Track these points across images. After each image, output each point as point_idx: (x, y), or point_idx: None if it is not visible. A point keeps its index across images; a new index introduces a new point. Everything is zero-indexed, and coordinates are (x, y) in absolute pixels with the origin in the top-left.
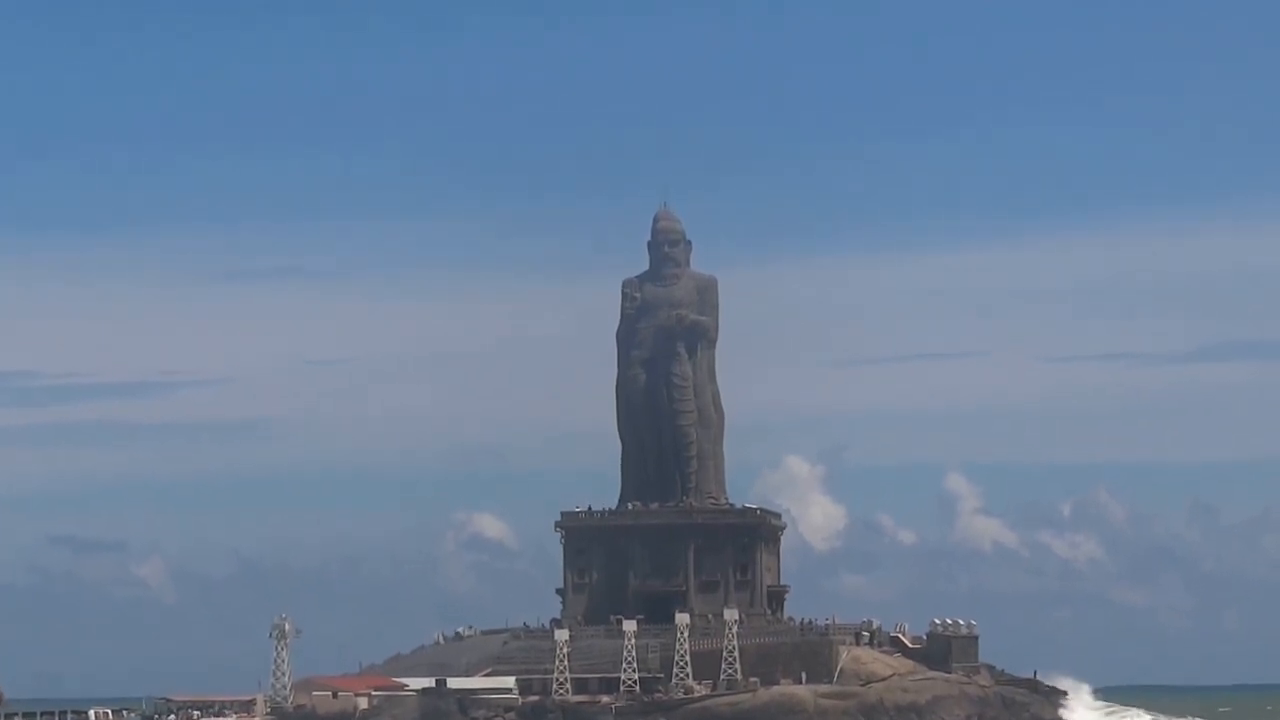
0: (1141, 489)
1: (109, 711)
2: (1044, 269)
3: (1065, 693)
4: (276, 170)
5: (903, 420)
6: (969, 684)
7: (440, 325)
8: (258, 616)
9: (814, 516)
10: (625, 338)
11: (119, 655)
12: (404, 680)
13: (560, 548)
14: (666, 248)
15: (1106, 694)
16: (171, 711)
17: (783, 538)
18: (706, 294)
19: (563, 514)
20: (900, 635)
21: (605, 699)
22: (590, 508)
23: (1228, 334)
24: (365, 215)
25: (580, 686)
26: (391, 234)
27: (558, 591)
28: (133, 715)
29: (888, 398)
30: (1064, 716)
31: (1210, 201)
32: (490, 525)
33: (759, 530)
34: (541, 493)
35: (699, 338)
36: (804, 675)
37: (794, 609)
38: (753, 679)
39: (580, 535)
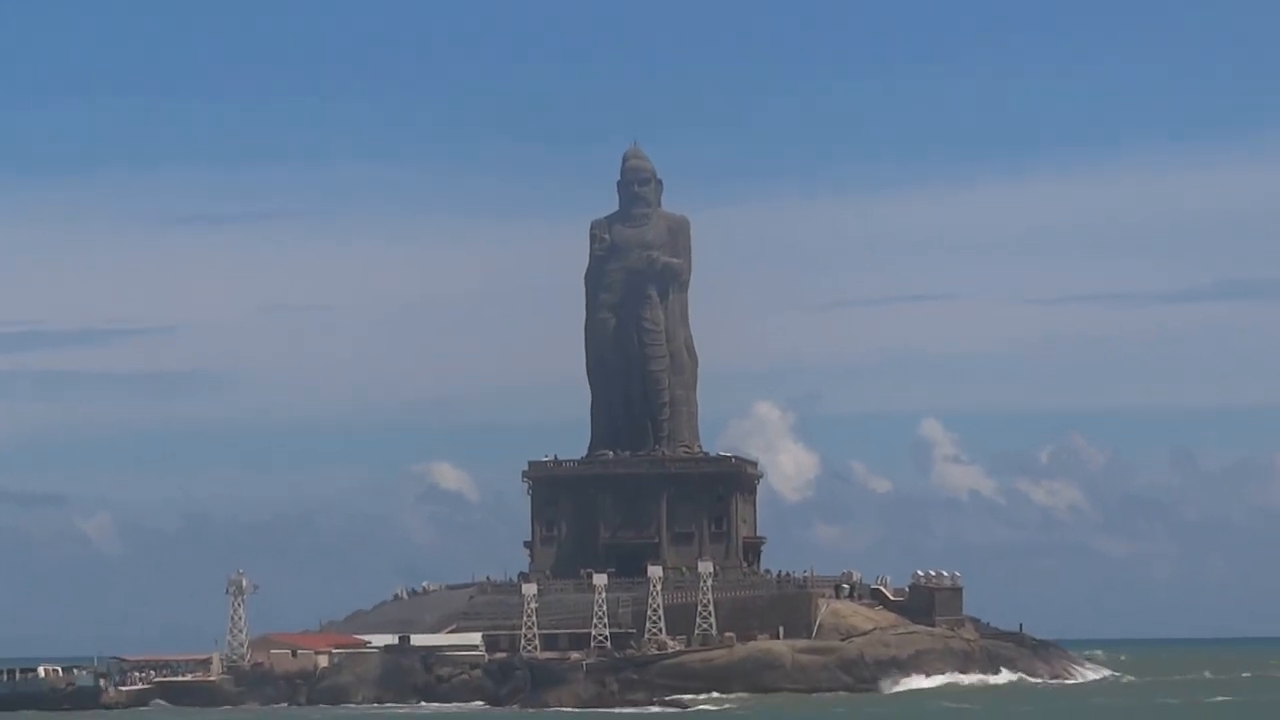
0: (1121, 435)
1: (59, 669)
2: (1020, 207)
3: (1054, 645)
4: (229, 112)
5: (876, 365)
6: (954, 638)
7: (398, 270)
8: (209, 573)
9: (785, 465)
10: (594, 281)
11: (65, 613)
12: (366, 637)
13: (527, 499)
14: (636, 187)
15: (1088, 647)
16: (124, 670)
17: (759, 486)
18: (678, 235)
19: (530, 464)
20: (882, 588)
21: (575, 655)
22: (556, 457)
23: (1211, 273)
24: (318, 158)
25: (549, 643)
26: (346, 177)
27: (525, 544)
28: (84, 673)
29: (861, 342)
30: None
31: (1193, 138)
32: (448, 476)
33: (734, 480)
34: (505, 444)
35: (671, 280)
36: (782, 630)
37: (770, 561)
38: (728, 634)
39: (548, 486)
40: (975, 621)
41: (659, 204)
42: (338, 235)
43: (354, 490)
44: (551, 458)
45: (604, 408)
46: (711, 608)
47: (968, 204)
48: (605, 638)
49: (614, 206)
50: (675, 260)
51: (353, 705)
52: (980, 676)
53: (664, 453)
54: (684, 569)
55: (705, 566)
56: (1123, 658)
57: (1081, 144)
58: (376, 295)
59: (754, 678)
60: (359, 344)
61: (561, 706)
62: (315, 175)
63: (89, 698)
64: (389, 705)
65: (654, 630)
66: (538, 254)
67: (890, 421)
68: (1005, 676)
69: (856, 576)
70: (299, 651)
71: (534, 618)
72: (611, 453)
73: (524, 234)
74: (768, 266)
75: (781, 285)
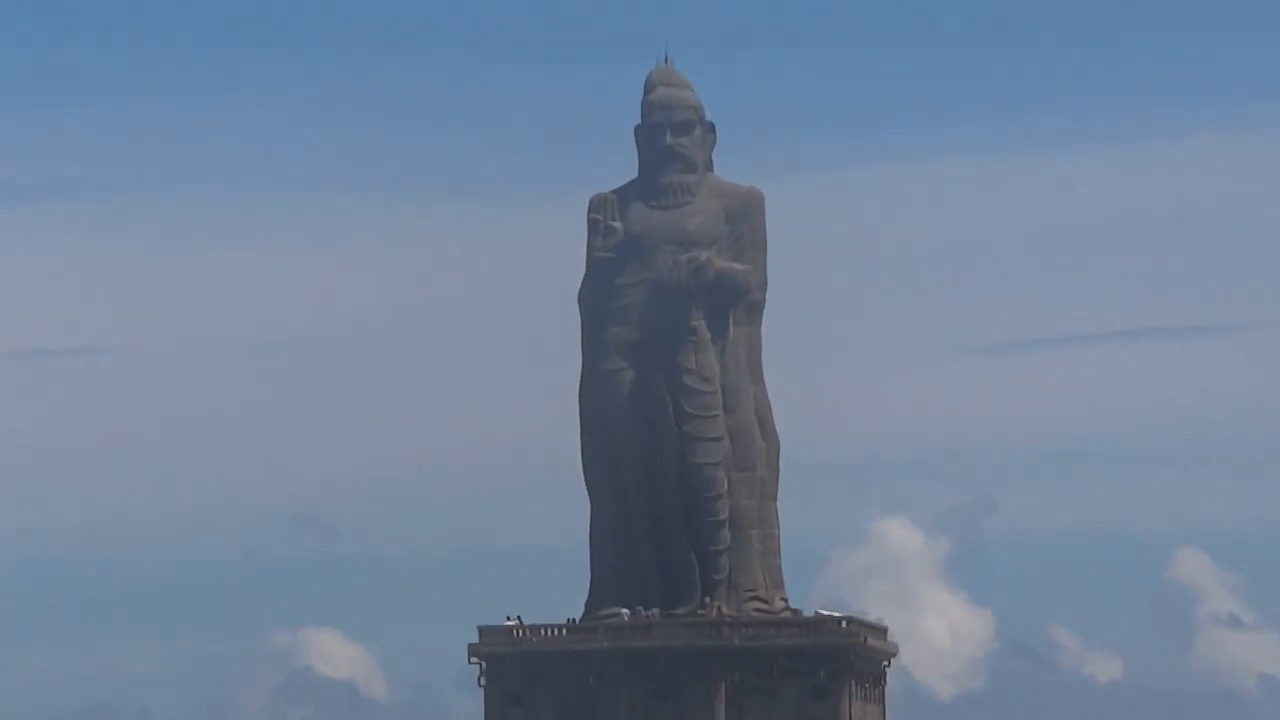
0: None
1: None
2: None
3: None
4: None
5: (1090, 450)
6: None
7: (240, 286)
8: None
9: (934, 632)
10: (596, 303)
11: None
12: None
13: (478, 694)
14: (669, 136)
15: None
16: None
17: (889, 672)
18: (744, 221)
19: (481, 631)
20: None
21: None
22: (521, 620)
23: None
24: (133, 105)
25: None
26: (156, 129)
27: None
28: None
29: (1062, 409)
30: None
31: None
32: (336, 654)
33: (845, 659)
34: (437, 596)
35: (732, 302)
36: None
37: None
38: None
39: (515, 672)
40: None
41: (709, 166)
42: (163, 232)
43: (171, 675)
44: (517, 621)
45: (613, 529)
46: None
47: (1235, 172)
48: None
49: (631, 172)
50: (739, 266)
51: None
52: None
53: (720, 610)
54: None
55: None
56: None
57: None
58: (225, 331)
59: None
60: (189, 413)
61: None
62: (101, 129)
63: None
64: None
65: None
66: (499, 254)
67: (1119, 552)
68: None
69: None
70: None
71: None
72: (627, 611)
73: (475, 219)
74: (895, 277)
75: (918, 310)
